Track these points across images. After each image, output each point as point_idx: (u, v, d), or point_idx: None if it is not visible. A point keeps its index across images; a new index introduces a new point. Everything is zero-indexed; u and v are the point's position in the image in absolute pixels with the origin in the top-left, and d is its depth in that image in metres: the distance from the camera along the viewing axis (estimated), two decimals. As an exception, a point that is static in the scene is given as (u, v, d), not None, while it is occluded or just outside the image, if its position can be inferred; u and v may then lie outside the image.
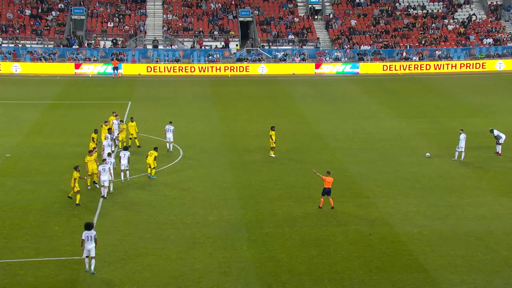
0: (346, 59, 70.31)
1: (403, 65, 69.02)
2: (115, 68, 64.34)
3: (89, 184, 31.42)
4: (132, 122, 38.64)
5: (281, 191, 31.76)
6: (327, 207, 29.03)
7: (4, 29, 70.36)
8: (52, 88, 57.81)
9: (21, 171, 34.25)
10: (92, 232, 22.86)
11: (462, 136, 36.29)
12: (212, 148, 39.17)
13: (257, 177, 33.75)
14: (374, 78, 66.12)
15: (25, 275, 22.65)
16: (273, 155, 37.00)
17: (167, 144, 37.83)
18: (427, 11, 79.28)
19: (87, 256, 22.87)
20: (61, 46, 69.58)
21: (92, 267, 22.83)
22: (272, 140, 36.74)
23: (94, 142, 34.96)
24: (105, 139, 35.10)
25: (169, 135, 37.62)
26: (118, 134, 37.86)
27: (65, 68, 65.76)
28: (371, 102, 53.71)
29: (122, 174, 32.81)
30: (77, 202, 29.11)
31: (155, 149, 33.29)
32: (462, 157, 36.40)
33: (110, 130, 36.45)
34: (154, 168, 33.00)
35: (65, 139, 40.63)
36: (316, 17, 78.22)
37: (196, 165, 35.82)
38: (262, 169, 35.17)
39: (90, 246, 22.70)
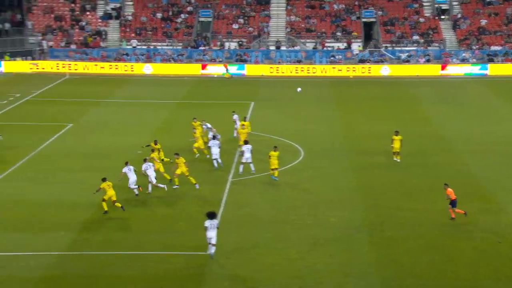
0: (474, 60, 67.69)
1: (536, 67, 65.47)
2: (227, 70, 65.73)
3: (177, 184, 31.82)
4: (245, 121, 38.97)
5: (403, 194, 31.13)
6: (457, 215, 27.83)
7: (138, 32, 73.62)
8: (180, 88, 59.78)
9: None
10: (215, 221, 23.85)
11: None
12: (334, 150, 39.01)
13: (379, 180, 33.26)
14: (505, 80, 63.20)
15: (155, 268, 23.59)
16: (398, 160, 36.02)
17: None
18: None
19: (212, 244, 23.94)
20: (189, 48, 71.82)
21: (212, 252, 23.97)
22: (395, 145, 35.59)
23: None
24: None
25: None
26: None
27: (192, 69, 67.80)
28: (501, 104, 51.44)
29: (241, 167, 33.45)
30: (105, 209, 28.51)
31: (275, 148, 33.26)
32: None
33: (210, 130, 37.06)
34: (276, 169, 33.04)
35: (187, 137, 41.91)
36: (442, 17, 75.88)
37: (317, 166, 35.82)
38: (384, 171, 34.62)
39: (213, 234, 23.72)
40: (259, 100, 53.77)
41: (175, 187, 31.73)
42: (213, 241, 23.93)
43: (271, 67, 67.72)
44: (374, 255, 24.48)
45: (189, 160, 33.15)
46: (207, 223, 23.91)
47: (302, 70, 67.18)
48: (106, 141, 40.37)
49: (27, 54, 69.43)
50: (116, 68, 67.15)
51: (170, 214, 28.87)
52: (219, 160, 34.86)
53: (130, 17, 75.37)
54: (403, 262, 23.90)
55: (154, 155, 33.00)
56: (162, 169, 32.40)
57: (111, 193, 28.35)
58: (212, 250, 24.11)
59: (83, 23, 74.11)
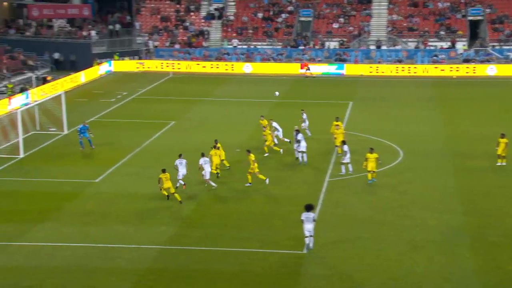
0: None
1: None
2: (308, 69, 65.33)
3: (250, 182, 32.04)
4: (337, 121, 38.60)
5: (508, 199, 29.92)
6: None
7: (239, 32, 74.65)
8: (279, 87, 60.03)
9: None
10: (311, 214, 24.16)
11: None
12: (434, 151, 38.04)
13: (481, 183, 32.15)
14: None
15: (252, 264, 23.88)
16: (503, 163, 34.61)
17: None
18: None
19: (307, 236, 24.19)
20: (288, 47, 72.07)
21: (311, 244, 24.37)
22: (500, 148, 34.23)
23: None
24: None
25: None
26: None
27: (291, 68, 68.00)
28: None
29: (343, 167, 33.35)
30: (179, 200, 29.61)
31: (371, 150, 32.69)
32: None
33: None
34: (374, 171, 32.44)
35: (289, 136, 42.00)
36: (554, 14, 72.29)
37: (416, 167, 35.06)
38: (487, 175, 33.42)
39: (310, 226, 24.04)
40: (358, 100, 53.21)
41: (247, 185, 32.12)
42: (310, 233, 24.27)
43: (370, 67, 66.83)
44: (476, 261, 23.70)
45: (261, 159, 33.22)
46: (304, 215, 24.22)
47: (403, 70, 65.88)
48: (206, 138, 41.13)
49: (134, 53, 71.98)
50: (217, 67, 68.41)
51: (267, 211, 29.11)
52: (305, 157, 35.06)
53: (232, 17, 76.53)
54: (507, 270, 22.98)
55: (213, 152, 33.15)
56: (213, 168, 32.55)
57: (167, 185, 29.43)
58: (311, 243, 24.39)
59: (187, 24, 75.95)
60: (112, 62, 69.19)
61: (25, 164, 35.99)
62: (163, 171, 29.89)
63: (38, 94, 51.68)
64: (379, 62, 67.84)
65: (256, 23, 75.78)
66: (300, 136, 35.64)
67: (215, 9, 77.30)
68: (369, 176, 32.39)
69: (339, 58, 68.79)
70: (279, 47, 72.45)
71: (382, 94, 55.96)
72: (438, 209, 28.88)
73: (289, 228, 26.70)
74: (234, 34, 74.69)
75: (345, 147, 33.66)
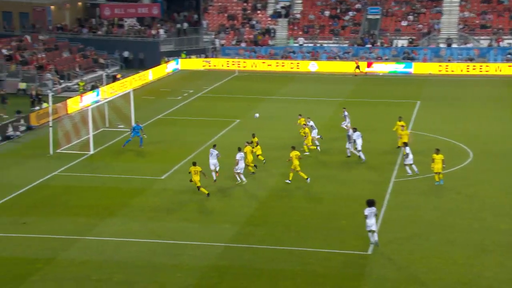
0: None
1: None
2: (358, 67, 64.39)
3: (290, 179, 32.14)
4: (401, 121, 37.92)
5: None
6: None
7: (305, 30, 74.36)
8: (344, 86, 59.62)
9: (312, 164, 35.90)
10: (373, 209, 24.14)
11: None
12: (506, 153, 36.89)
13: (556, 186, 30.97)
14: None
15: (315, 264, 23.71)
16: None
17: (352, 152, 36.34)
18: None
19: (370, 231, 24.19)
20: (355, 45, 71.29)
21: (376, 239, 24.35)
22: None
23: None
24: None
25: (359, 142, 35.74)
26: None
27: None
28: None
29: (407, 168, 32.90)
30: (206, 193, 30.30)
31: (437, 151, 31.75)
32: None
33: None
34: (440, 173, 31.73)
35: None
36: None
37: (486, 169, 34.10)
38: (562, 177, 32.15)
39: (372, 221, 24.07)
40: (426, 99, 52.18)
41: (287, 181, 32.16)
42: (374, 228, 24.24)
43: (440, 65, 65.37)
44: (548, 267, 22.83)
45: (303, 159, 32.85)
46: (367, 211, 24.18)
47: (474, 69, 64.17)
48: (270, 136, 41.25)
49: (201, 52, 72.76)
50: (283, 66, 68.34)
51: (332, 211, 28.89)
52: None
53: (298, 15, 76.29)
54: None
55: (248, 149, 33.32)
56: (250, 160, 32.88)
57: (195, 178, 30.04)
58: (375, 237, 24.35)
59: (254, 22, 76.20)
60: (179, 60, 70.12)
61: (94, 160, 36.88)
62: (194, 164, 30.52)
63: (108, 92, 52.88)
64: (449, 61, 66.28)
65: (322, 21, 75.30)
66: (356, 135, 35.53)
67: (282, 7, 77.24)
68: (436, 177, 31.66)
69: (407, 56, 67.59)
70: (346, 45, 71.77)
71: (451, 94, 54.69)
72: (510, 213, 27.99)
73: (354, 228, 26.39)
74: (300, 32, 74.43)
75: (407, 149, 33.07)
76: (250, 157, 33.39)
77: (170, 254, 24.61)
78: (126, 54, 70.44)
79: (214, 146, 33.05)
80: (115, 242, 25.65)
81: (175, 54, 71.02)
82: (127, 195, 31.14)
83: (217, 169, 32.44)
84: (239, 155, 32.34)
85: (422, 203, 29.68)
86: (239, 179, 32.33)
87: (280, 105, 51.42)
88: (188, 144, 39.65)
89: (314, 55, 70.27)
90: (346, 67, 66.94)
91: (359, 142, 35.48)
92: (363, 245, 24.81)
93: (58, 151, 38.23)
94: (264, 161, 35.04)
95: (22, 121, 43.23)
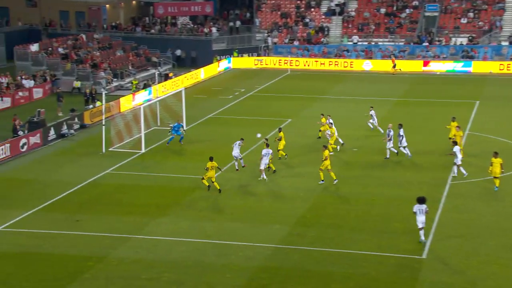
0: None
1: None
2: (394, 66, 63.51)
3: (322, 179, 32.14)
4: (454, 122, 37.14)
5: None
6: None
7: (360, 28, 73.72)
8: (399, 85, 58.86)
9: (366, 164, 35.61)
10: (423, 206, 24.62)
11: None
12: None
13: None
14: None
15: (368, 268, 23.49)
16: None
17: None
18: None
19: (421, 228, 24.72)
20: (411, 44, 70.27)
21: (423, 237, 24.95)
22: None
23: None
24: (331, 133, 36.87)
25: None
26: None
27: (413, 66, 66.30)
28: None
29: (455, 168, 32.46)
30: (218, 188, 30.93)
31: (496, 154, 30.77)
32: None
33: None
34: (498, 178, 30.81)
35: (410, 136, 41.02)
36: None
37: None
38: None
39: (422, 218, 24.72)
40: (485, 99, 51.07)
41: (320, 182, 32.12)
42: (422, 225, 24.80)
43: (501, 64, 63.85)
44: None
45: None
46: (416, 207, 24.68)
47: (537, 67, 62.48)
48: (323, 137, 41.05)
49: (253, 50, 72.97)
50: (336, 65, 67.91)
51: (385, 214, 28.57)
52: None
53: (353, 13, 75.69)
54: None
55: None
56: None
57: (211, 174, 30.77)
58: (422, 235, 24.88)
59: (307, 20, 75.96)
60: (231, 58, 70.48)
61: (145, 159, 37.40)
62: (211, 159, 31.09)
63: (160, 90, 53.55)
64: (511, 59, 64.65)
65: (378, 18, 74.50)
66: (402, 131, 35.59)
67: (336, 5, 76.73)
68: (497, 182, 30.80)
69: (466, 55, 66.27)
70: (402, 43, 70.83)
71: None
72: None
73: (409, 232, 26.06)
74: (355, 30, 73.83)
75: (456, 148, 32.45)
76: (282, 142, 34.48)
77: (219, 254, 24.76)
78: (178, 52, 71.22)
79: (241, 139, 34.21)
80: (165, 241, 25.96)
81: (227, 53, 71.44)
82: (178, 194, 31.48)
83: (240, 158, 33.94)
84: (265, 151, 32.88)
85: (479, 206, 29.08)
86: (265, 177, 32.69)
87: (333, 105, 51.10)
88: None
89: (368, 54, 69.59)
90: (401, 66, 66.04)
91: (403, 139, 35.52)
92: (417, 249, 24.46)
93: (110, 149, 38.92)
94: (286, 156, 35.73)
95: (76, 120, 44.19)
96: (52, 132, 41.67)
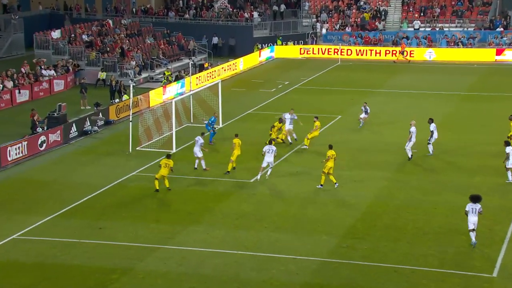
0: None
1: None
2: (402, 52, 63.27)
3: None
4: None
5: None
6: None
7: (423, 12, 72.66)
8: (467, 77, 57.93)
9: (427, 169, 35.07)
10: (477, 205, 25.21)
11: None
12: None
13: None
14: None
15: (428, 286, 23.15)
16: None
17: None
18: None
19: (472, 229, 25.29)
20: (483, 29, 69.10)
21: (474, 239, 25.44)
22: None
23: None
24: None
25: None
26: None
27: (485, 55, 65.24)
28: None
29: (509, 173, 32.36)
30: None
31: None
32: None
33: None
34: None
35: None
36: None
37: None
38: None
39: (475, 219, 25.24)
40: None
41: (318, 187, 32.33)
42: (474, 226, 25.36)
43: None
44: None
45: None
46: (468, 206, 25.32)
47: None
48: (375, 136, 40.68)
49: (299, 38, 72.79)
50: (394, 54, 67.21)
51: (449, 224, 28.08)
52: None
53: (414, -5, 74.91)
54: None
55: (236, 141, 34.53)
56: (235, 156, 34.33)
57: (163, 172, 31.48)
58: (473, 237, 25.45)
59: (361, 3, 75.35)
60: (275, 47, 70.38)
61: (177, 160, 37.47)
62: (168, 156, 32.04)
63: (194, 83, 53.79)
64: None
65: (444, 1, 73.50)
66: (433, 127, 36.30)
67: (395, -14, 76.12)
68: None
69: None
70: (471, 29, 69.74)
71: None
72: None
73: (477, 246, 25.56)
74: (416, 15, 73.00)
75: (508, 149, 31.80)
76: (237, 151, 34.50)
77: (258, 268, 24.64)
78: (215, 40, 71.49)
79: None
80: (197, 253, 25.97)
81: (270, 41, 71.41)
82: (213, 199, 31.49)
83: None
84: (267, 148, 33.38)
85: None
86: (260, 174, 33.50)
87: (387, 99, 50.62)
88: (281, 143, 39.60)
89: (431, 41, 68.68)
90: (470, 55, 65.05)
91: (435, 135, 36.26)
92: (487, 266, 23.99)
93: (138, 148, 39.17)
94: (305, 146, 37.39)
95: (100, 115, 44.63)
96: (74, 128, 42.19)
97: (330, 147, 32.56)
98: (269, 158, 33.30)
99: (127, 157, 38.08)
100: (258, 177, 33.48)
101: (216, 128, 40.51)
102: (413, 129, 36.00)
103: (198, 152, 35.12)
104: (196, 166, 35.43)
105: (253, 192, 32.33)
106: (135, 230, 28.07)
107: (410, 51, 66.83)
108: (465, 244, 26.16)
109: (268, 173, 33.79)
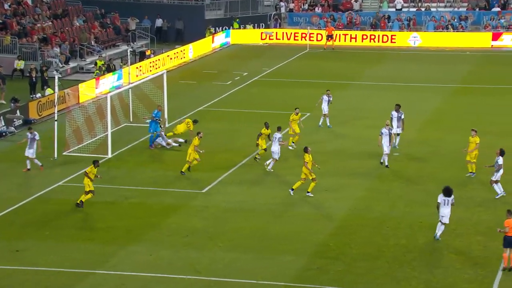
0: None
1: None
2: (329, 36, 65.38)
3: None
4: None
5: None
6: None
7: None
8: (458, 67, 58.81)
9: (407, 176, 35.58)
10: (449, 198, 27.66)
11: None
12: None
13: None
14: None
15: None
16: None
17: None
18: None
19: (443, 222, 27.80)
20: (477, 9, 70.17)
21: (439, 233, 27.95)
22: None
23: None
24: None
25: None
26: None
27: (479, 40, 66.31)
28: None
29: (495, 186, 32.82)
30: None
31: None
32: None
33: None
34: None
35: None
36: None
37: None
38: None
39: (447, 211, 27.65)
40: None
41: (307, 194, 32.79)
42: (445, 220, 27.79)
43: None
44: None
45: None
46: (440, 198, 27.72)
47: None
48: (353, 137, 41.12)
49: (260, 20, 73.06)
50: (372, 39, 67.97)
51: (437, 243, 28.49)
52: None
53: (395, -31, 75.77)
54: None
55: (195, 141, 35.42)
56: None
57: (85, 182, 31.92)
58: (441, 229, 27.93)
59: (333, -22, 75.98)
60: (230, 31, 70.61)
61: (113, 166, 37.46)
62: (95, 163, 32.28)
63: (133, 74, 53.70)
64: None
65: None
66: (397, 115, 37.69)
67: (372, -42, 76.94)
68: None
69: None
70: (463, 9, 70.81)
71: None
72: None
73: (470, 266, 26.21)
74: (399, -7, 73.87)
75: (501, 160, 32.36)
76: (190, 153, 35.29)
77: (211, 295, 24.82)
78: (159, 23, 71.44)
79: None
80: (139, 278, 25.97)
81: (224, 23, 71.59)
82: (157, 213, 31.53)
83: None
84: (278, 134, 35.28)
85: None
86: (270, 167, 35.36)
87: (366, 93, 51.13)
88: (240, 145, 39.80)
89: (416, 24, 69.60)
90: (462, 40, 66.05)
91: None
92: (480, 289, 24.49)
93: (65, 153, 39.02)
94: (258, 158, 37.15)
95: (18, 113, 44.25)
96: (-15, 130, 41.84)
97: (306, 150, 32.85)
98: (274, 147, 34.97)
99: (52, 165, 37.87)
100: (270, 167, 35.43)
101: (163, 128, 40.36)
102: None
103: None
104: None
105: (206, 205, 32.47)
106: (63, 252, 27.96)
107: (391, 36, 67.57)
108: (455, 264, 26.60)
109: (270, 166, 34.81)
